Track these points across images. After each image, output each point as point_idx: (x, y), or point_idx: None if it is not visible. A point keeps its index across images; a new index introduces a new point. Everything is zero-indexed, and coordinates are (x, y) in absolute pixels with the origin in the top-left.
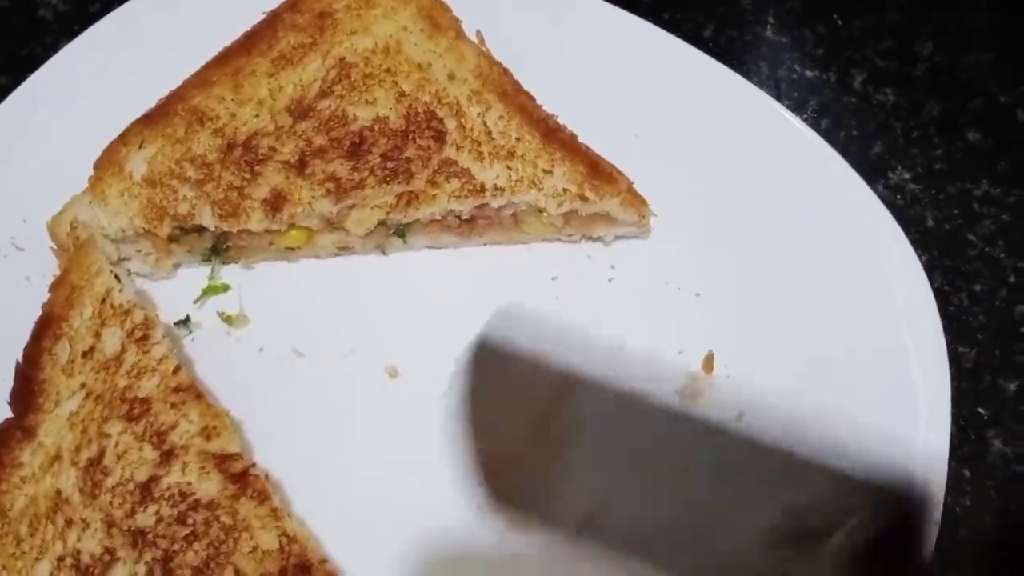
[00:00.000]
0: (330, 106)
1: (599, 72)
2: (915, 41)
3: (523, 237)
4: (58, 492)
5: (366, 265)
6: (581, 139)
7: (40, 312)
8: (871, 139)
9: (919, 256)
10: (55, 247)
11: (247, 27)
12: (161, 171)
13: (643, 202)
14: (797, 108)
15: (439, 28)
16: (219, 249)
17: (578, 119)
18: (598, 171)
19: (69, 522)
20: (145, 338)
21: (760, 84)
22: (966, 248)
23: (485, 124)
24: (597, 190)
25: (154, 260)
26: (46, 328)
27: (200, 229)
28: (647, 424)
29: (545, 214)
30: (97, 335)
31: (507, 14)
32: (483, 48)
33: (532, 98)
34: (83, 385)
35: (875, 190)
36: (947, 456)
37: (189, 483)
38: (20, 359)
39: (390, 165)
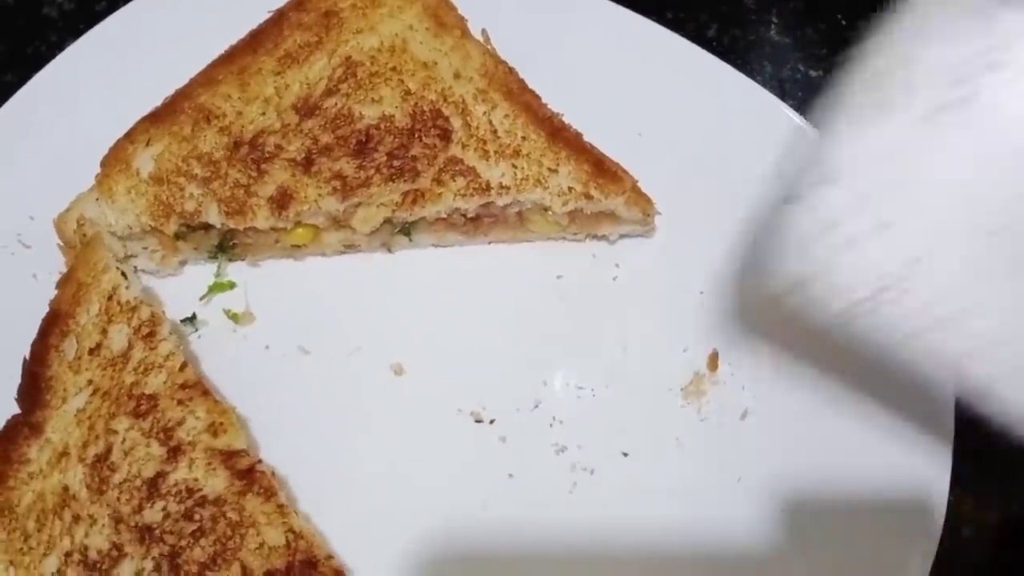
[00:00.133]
0: (336, 104)
1: (604, 71)
2: None
3: (528, 235)
4: (65, 488)
5: (372, 263)
6: (586, 138)
7: (47, 309)
8: None
9: None
10: (62, 244)
11: (253, 26)
12: (168, 169)
13: (648, 201)
14: (800, 107)
15: (445, 27)
16: (225, 246)
17: (583, 118)
18: (603, 170)
19: (76, 518)
20: (152, 335)
21: (764, 83)
22: None
23: (491, 123)
24: (602, 189)
25: (161, 257)
26: (53, 325)
27: (207, 227)
28: None
29: (550, 212)
30: (104, 332)
31: (512, 13)
32: (488, 47)
33: (537, 97)
34: (90, 382)
35: None
36: (951, 453)
37: (196, 479)
38: (27, 356)
39: (396, 163)
